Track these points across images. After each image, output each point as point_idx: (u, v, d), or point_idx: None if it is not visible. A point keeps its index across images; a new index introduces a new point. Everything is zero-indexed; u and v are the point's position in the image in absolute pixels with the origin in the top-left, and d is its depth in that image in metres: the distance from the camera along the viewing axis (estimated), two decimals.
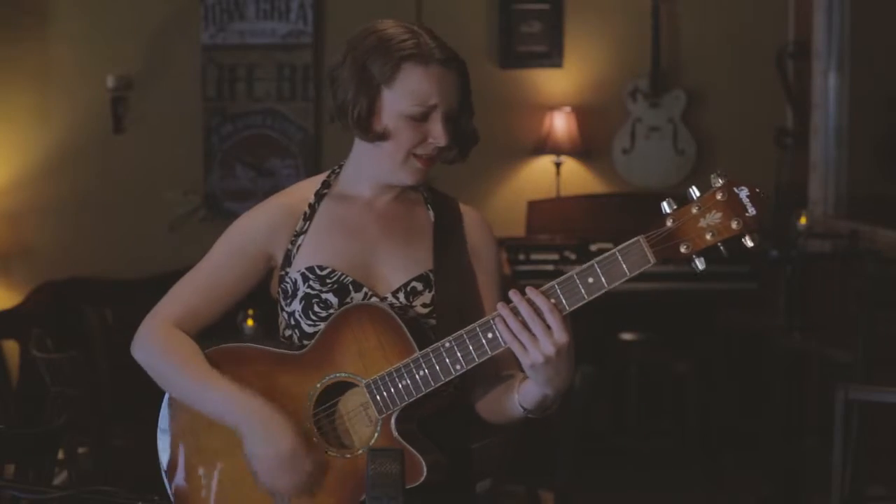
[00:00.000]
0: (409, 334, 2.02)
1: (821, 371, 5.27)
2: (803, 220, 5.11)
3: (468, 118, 2.17)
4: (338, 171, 2.23)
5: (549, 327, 1.91)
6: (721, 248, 1.89)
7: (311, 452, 2.04)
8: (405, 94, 2.08)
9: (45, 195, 6.38)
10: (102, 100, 6.35)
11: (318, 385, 2.07)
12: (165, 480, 2.17)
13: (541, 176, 6.39)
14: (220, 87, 6.41)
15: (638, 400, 5.51)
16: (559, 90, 6.41)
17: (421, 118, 2.09)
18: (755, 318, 5.59)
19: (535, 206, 6.24)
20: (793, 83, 6.25)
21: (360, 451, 2.03)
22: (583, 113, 6.35)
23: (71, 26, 6.40)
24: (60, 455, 3.37)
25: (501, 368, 2.13)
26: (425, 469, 1.99)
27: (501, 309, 1.94)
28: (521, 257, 5.78)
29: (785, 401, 5.09)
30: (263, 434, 2.03)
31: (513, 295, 1.94)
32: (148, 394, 2.25)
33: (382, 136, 2.11)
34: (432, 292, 2.12)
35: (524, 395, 2.02)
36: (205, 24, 6.38)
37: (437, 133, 2.09)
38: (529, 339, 1.91)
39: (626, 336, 5.58)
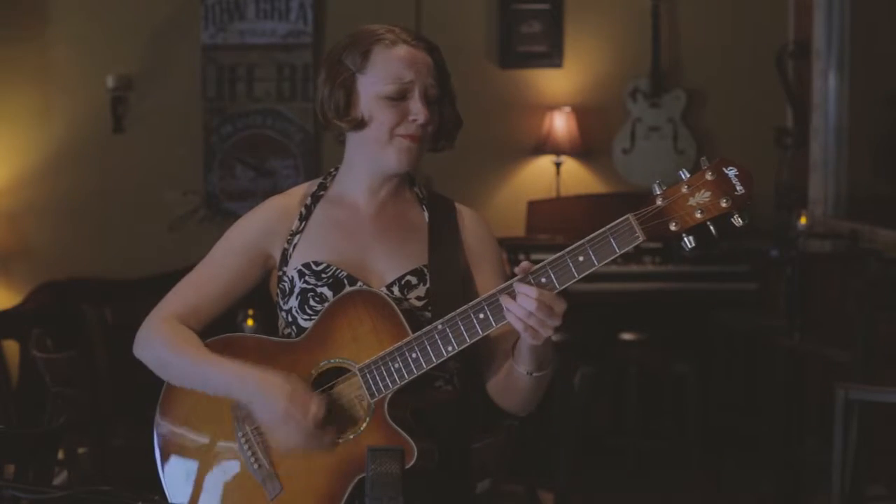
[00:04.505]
0: (403, 318, 2.04)
1: (821, 371, 5.26)
2: (803, 220, 5.10)
3: (450, 104, 2.21)
4: (334, 173, 2.27)
5: (550, 308, 1.93)
6: (710, 227, 1.90)
7: (311, 404, 2.04)
8: (378, 75, 2.13)
9: (45, 195, 6.38)
10: (102, 100, 6.36)
11: (314, 371, 2.09)
12: (160, 471, 2.19)
13: (541, 176, 6.40)
14: (220, 87, 6.42)
15: (638, 400, 5.51)
16: (559, 90, 6.41)
17: (398, 97, 2.13)
18: (755, 318, 5.58)
19: (535, 206, 6.24)
20: (793, 83, 6.25)
21: (353, 436, 2.05)
22: (583, 113, 6.35)
23: (71, 26, 6.41)
24: (60, 455, 3.37)
25: (502, 355, 2.15)
26: (416, 452, 1.99)
27: (504, 300, 1.96)
28: (521, 257, 5.77)
29: (785, 401, 5.08)
30: (263, 398, 2.06)
31: (517, 286, 1.97)
32: (148, 394, 2.26)
33: (363, 123, 2.15)
34: (426, 286, 2.14)
35: (522, 362, 2.04)
36: (205, 24, 6.38)
37: (417, 109, 2.12)
38: (537, 322, 1.94)
39: (626, 336, 5.57)
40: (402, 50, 2.13)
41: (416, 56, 2.14)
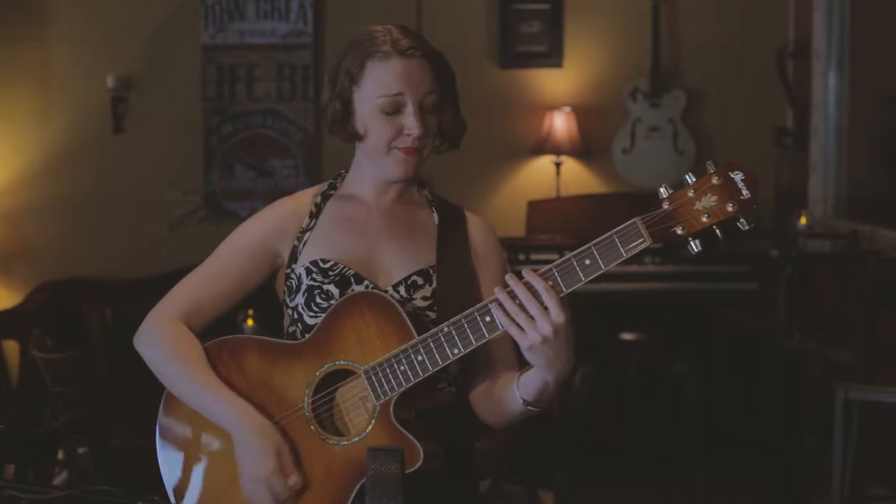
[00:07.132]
0: (408, 321, 2.04)
1: (821, 371, 5.26)
2: (803, 220, 5.11)
3: (453, 108, 2.21)
4: (343, 174, 2.28)
5: (546, 308, 1.92)
6: (717, 231, 1.91)
7: (294, 475, 2.04)
8: (371, 90, 2.14)
9: (45, 195, 6.38)
10: (102, 100, 6.36)
11: (318, 373, 2.09)
12: (161, 466, 2.18)
13: (541, 176, 6.39)
14: (220, 87, 6.41)
15: (638, 400, 5.51)
16: (559, 90, 6.41)
17: (392, 111, 2.13)
18: (755, 318, 5.58)
19: (535, 206, 6.24)
20: (793, 83, 6.25)
21: (357, 438, 2.05)
22: (583, 113, 6.35)
23: (71, 26, 6.41)
24: (60, 455, 3.37)
25: (500, 370, 2.15)
26: (422, 454, 1.99)
27: (499, 292, 1.95)
28: (521, 257, 5.77)
29: (785, 401, 5.08)
30: (254, 447, 2.05)
31: (509, 279, 1.96)
32: (148, 394, 2.26)
33: (360, 136, 2.17)
34: (432, 286, 2.15)
35: (524, 385, 2.03)
36: (205, 24, 6.38)
37: (410, 124, 2.12)
38: (526, 320, 1.92)
39: (626, 336, 5.57)
40: (396, 64, 2.12)
41: (410, 68, 2.12)
